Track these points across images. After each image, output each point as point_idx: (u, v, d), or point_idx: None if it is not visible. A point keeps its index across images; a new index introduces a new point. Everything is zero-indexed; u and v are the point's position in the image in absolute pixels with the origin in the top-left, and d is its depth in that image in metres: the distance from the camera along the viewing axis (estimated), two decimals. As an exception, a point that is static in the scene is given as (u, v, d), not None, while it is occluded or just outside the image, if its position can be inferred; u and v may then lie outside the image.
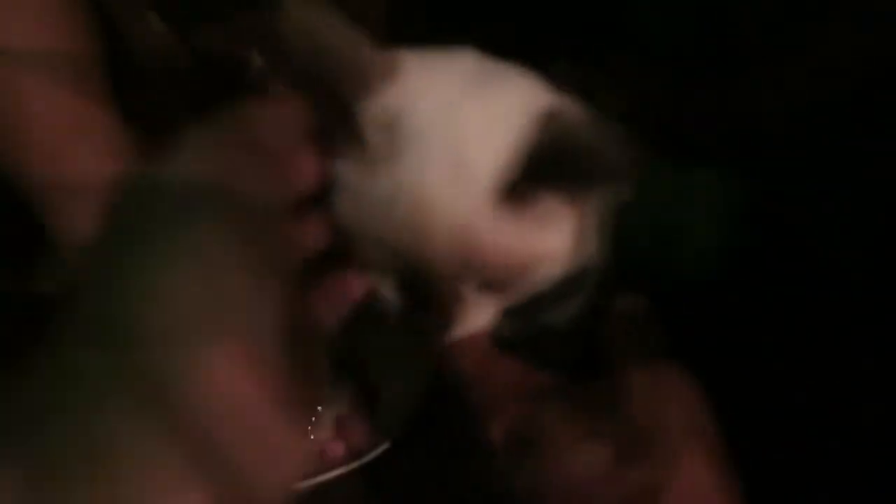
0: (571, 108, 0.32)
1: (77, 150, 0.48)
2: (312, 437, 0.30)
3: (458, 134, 0.31)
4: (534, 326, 0.38)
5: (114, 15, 0.51)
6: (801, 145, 0.53)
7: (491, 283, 0.34)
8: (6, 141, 0.47)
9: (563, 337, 0.40)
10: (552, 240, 0.34)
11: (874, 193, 0.50)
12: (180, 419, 0.23)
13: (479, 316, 0.35)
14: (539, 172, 0.31)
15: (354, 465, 0.45)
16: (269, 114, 0.30)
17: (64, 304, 0.26)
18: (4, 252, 0.53)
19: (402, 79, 0.32)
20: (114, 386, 0.23)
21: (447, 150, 0.31)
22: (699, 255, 0.52)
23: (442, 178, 0.31)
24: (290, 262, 0.29)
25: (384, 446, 0.46)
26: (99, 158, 0.48)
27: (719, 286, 0.52)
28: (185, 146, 0.29)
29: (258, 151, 0.29)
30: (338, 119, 0.31)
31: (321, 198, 0.33)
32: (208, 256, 0.25)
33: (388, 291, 0.34)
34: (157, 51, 0.53)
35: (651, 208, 0.46)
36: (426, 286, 0.33)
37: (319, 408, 0.28)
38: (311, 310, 0.31)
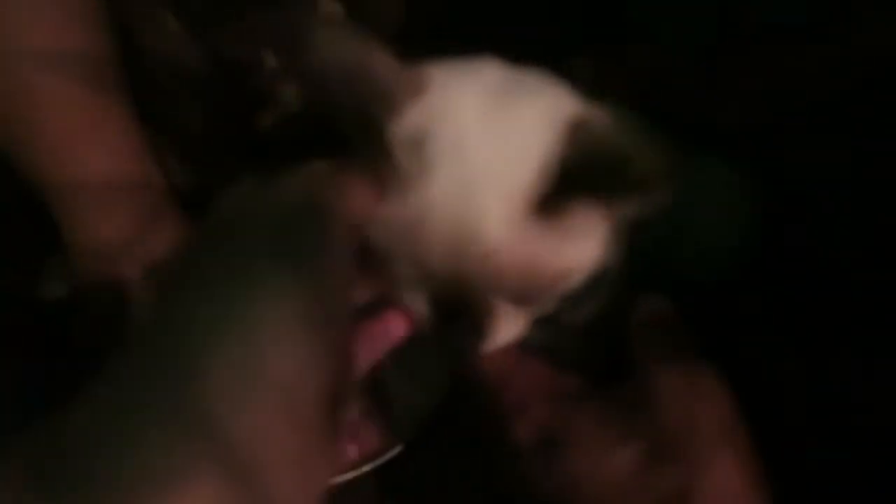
0: (599, 116, 0.33)
1: (92, 150, 0.48)
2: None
3: (488, 149, 0.31)
4: (557, 329, 0.38)
5: (128, 15, 0.51)
6: (801, 144, 0.54)
7: (523, 295, 0.34)
8: (21, 139, 0.47)
9: (587, 338, 0.41)
10: (583, 250, 0.34)
11: (875, 193, 0.51)
12: (223, 455, 0.24)
13: (510, 328, 0.35)
14: (570, 184, 0.31)
15: (367, 467, 0.46)
16: (341, 193, 0.31)
17: (134, 329, 0.27)
18: (13, 252, 0.53)
19: (430, 96, 0.32)
20: (162, 419, 0.24)
21: (477, 165, 0.31)
22: (706, 254, 0.53)
23: (473, 193, 0.31)
24: (346, 312, 0.30)
25: (397, 449, 0.46)
26: (114, 158, 0.48)
27: (722, 286, 0.52)
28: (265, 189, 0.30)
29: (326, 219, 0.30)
30: (368, 140, 0.31)
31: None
32: (277, 305, 0.27)
33: (420, 306, 0.34)
34: (171, 51, 0.52)
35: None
36: (458, 301, 0.33)
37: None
38: (354, 353, 0.32)
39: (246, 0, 0.51)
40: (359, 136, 0.31)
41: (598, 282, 0.39)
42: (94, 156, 0.48)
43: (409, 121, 0.31)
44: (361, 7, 0.50)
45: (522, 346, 0.38)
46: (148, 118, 0.50)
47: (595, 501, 0.35)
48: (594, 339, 0.41)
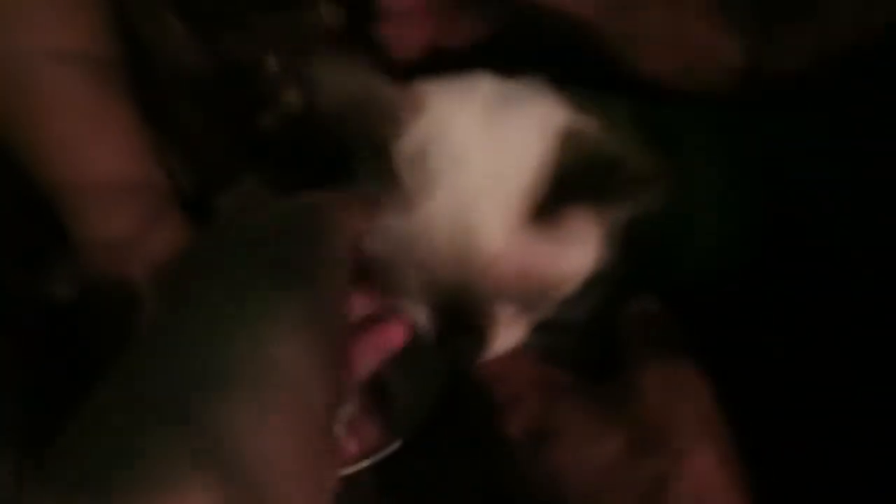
0: (591, 123, 0.33)
1: (96, 150, 0.48)
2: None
3: (486, 162, 0.33)
4: (553, 330, 0.40)
5: (133, 16, 0.52)
6: (800, 143, 0.54)
7: (525, 302, 0.36)
8: (27, 139, 0.48)
9: (580, 336, 0.42)
10: (580, 255, 0.35)
11: (877, 192, 0.51)
12: (223, 459, 0.25)
13: (511, 334, 0.37)
14: (565, 191, 0.33)
15: (366, 463, 0.46)
16: (339, 209, 0.32)
17: (141, 329, 0.28)
18: (19, 253, 0.54)
19: (429, 114, 0.34)
20: (164, 422, 0.25)
21: (476, 178, 0.33)
22: (704, 255, 0.53)
23: (474, 205, 0.33)
24: (343, 323, 0.31)
25: (396, 445, 0.47)
26: (117, 158, 0.49)
27: (722, 286, 0.53)
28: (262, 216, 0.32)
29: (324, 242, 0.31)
30: (372, 160, 0.33)
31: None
32: (276, 316, 0.28)
33: (421, 317, 0.36)
34: (175, 53, 0.53)
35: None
36: (461, 310, 0.34)
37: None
38: (352, 361, 0.33)
39: (248, 3, 0.52)
40: (367, 157, 0.33)
41: (593, 283, 0.39)
42: (99, 155, 0.49)
43: (411, 139, 0.33)
44: (360, 8, 0.51)
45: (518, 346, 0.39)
46: (151, 119, 0.51)
47: (581, 490, 0.37)
48: (587, 338, 0.42)
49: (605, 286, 0.42)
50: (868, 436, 0.44)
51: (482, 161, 0.33)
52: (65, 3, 0.49)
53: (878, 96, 0.50)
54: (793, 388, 0.48)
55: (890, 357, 0.46)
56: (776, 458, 0.40)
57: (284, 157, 0.51)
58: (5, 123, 0.48)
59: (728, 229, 0.54)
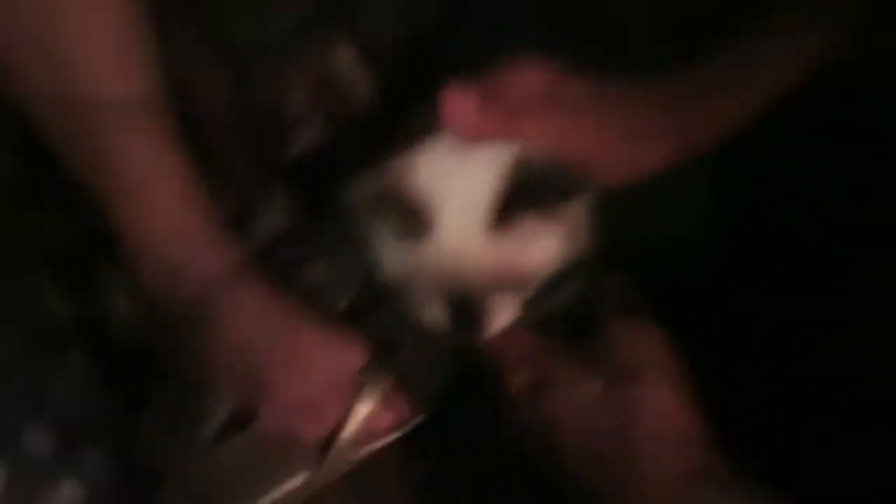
0: (533, 153, 0.45)
1: (153, 195, 0.53)
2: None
3: (462, 193, 0.45)
4: (543, 311, 0.49)
5: (171, 57, 0.56)
6: (798, 140, 0.56)
7: (511, 288, 0.47)
8: (89, 179, 0.53)
9: (567, 313, 0.51)
10: (543, 246, 0.46)
11: (875, 192, 0.53)
12: None
13: (506, 314, 0.48)
14: (517, 202, 0.44)
15: (397, 434, 0.54)
16: None
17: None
18: (70, 272, 0.61)
19: (417, 170, 0.46)
20: None
21: (458, 208, 0.45)
22: (684, 241, 0.59)
23: (463, 225, 0.45)
24: None
25: (420, 419, 0.54)
26: (175, 201, 0.53)
27: (713, 277, 0.58)
28: None
29: None
30: (395, 211, 0.45)
31: None
32: None
33: (435, 315, 0.47)
34: (209, 90, 0.59)
35: (637, 196, 0.51)
36: (466, 305, 0.46)
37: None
38: None
39: (274, 46, 0.59)
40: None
41: (574, 273, 0.48)
42: (154, 200, 0.53)
43: (410, 190, 0.45)
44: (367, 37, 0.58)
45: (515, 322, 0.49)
46: (193, 154, 0.55)
47: (572, 428, 0.45)
48: (573, 313, 0.51)
49: (587, 275, 0.49)
50: (869, 437, 0.49)
51: (459, 194, 0.45)
52: (122, 50, 0.52)
53: (878, 96, 0.52)
54: (791, 387, 0.52)
55: (887, 355, 0.50)
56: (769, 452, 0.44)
57: (309, 187, 0.59)
58: (69, 162, 0.53)
59: (711, 216, 0.58)
